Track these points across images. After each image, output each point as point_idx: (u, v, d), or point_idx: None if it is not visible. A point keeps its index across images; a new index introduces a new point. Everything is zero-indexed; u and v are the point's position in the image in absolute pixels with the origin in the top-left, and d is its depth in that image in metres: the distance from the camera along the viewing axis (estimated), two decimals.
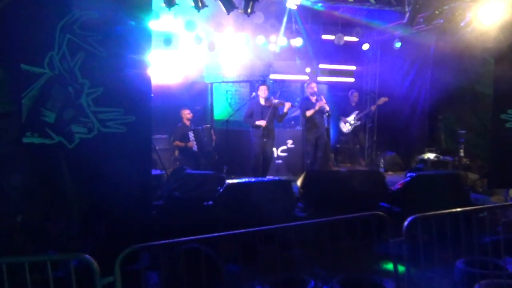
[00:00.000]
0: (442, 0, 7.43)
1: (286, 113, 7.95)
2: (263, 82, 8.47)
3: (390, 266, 3.94)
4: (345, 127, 9.78)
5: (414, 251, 3.69)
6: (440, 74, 9.46)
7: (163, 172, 7.25)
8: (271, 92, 8.23)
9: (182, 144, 8.26)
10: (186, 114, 8.49)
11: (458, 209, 3.86)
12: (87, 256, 2.63)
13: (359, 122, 9.66)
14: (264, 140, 7.82)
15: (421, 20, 7.78)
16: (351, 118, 9.66)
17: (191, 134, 8.31)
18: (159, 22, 7.49)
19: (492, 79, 6.79)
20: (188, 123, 8.47)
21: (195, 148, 8.29)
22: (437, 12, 7.41)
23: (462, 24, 7.61)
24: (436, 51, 9.55)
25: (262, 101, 7.88)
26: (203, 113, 10.09)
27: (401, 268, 3.74)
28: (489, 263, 4.09)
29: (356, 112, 9.65)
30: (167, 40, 8.45)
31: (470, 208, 4.18)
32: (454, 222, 3.85)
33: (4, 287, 2.66)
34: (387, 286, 4.00)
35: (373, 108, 9.60)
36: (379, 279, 4.13)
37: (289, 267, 4.59)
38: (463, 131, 8.74)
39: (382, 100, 9.54)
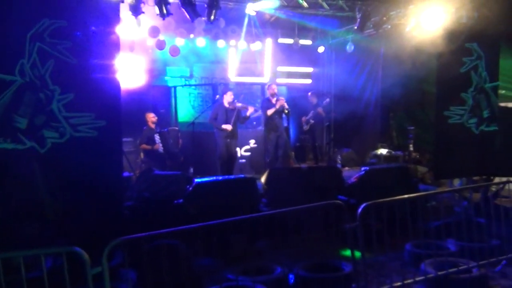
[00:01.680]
0: (389, 6, 8.01)
1: (248, 117, 8.40)
2: (230, 88, 8.87)
3: (348, 252, 4.35)
4: (305, 126, 10.33)
5: (368, 236, 4.12)
6: (389, 75, 10.07)
7: (131, 174, 7.42)
8: (235, 96, 8.59)
9: (148, 147, 8.42)
10: (151, 117, 8.63)
11: (405, 196, 4.34)
12: (77, 248, 2.87)
13: (313, 121, 10.19)
14: (228, 140, 8.19)
15: (371, 25, 8.32)
16: (308, 117, 10.22)
17: (157, 137, 8.50)
18: (123, 27, 7.62)
19: None
20: (153, 126, 8.62)
21: (161, 150, 8.48)
22: (384, 18, 7.96)
23: (407, 29, 8.23)
24: (386, 53, 10.17)
25: (226, 104, 8.24)
26: (167, 116, 10.28)
27: (357, 253, 4.15)
28: (433, 244, 4.62)
29: (312, 112, 10.20)
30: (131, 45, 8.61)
31: (415, 194, 4.66)
32: (403, 209, 4.32)
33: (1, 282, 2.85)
34: (345, 269, 4.41)
35: (319, 110, 10.12)
36: (338, 263, 4.54)
37: (257, 257, 4.96)
38: (411, 128, 9.40)
39: (325, 102, 10.20)
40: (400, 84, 9.75)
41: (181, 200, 5.68)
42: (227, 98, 8.23)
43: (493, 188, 6.72)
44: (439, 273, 4.23)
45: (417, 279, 4.25)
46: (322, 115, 10.21)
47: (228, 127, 8.07)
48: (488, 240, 4.94)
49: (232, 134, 8.23)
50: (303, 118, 10.34)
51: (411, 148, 9.36)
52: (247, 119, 8.51)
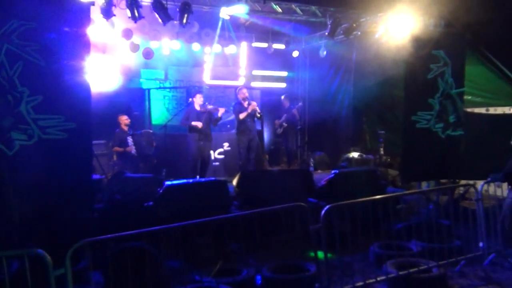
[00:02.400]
0: (359, 14, 8.19)
1: (220, 118, 8.46)
2: (199, 91, 8.92)
3: (313, 253, 4.45)
4: (278, 129, 10.48)
5: (333, 238, 4.23)
6: (362, 79, 10.26)
7: (103, 176, 7.39)
8: (207, 98, 8.65)
9: (121, 150, 8.37)
10: (124, 120, 8.58)
11: (368, 198, 4.47)
12: (39, 250, 2.88)
13: (286, 125, 10.33)
14: (201, 143, 8.23)
15: (341, 31, 8.48)
16: (281, 121, 10.37)
17: (129, 139, 8.46)
18: (97, 29, 7.59)
19: None
20: (126, 128, 8.57)
21: (133, 152, 8.45)
22: (354, 25, 8.14)
23: (376, 36, 8.43)
24: (357, 59, 10.32)
25: (197, 107, 8.29)
26: (141, 118, 10.25)
27: (321, 254, 4.24)
28: (395, 246, 4.78)
29: (285, 115, 10.35)
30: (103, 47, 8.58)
31: (379, 197, 4.77)
32: (369, 211, 4.45)
33: None
34: (310, 269, 4.52)
35: (294, 110, 10.29)
36: (302, 264, 4.65)
37: (225, 259, 5.02)
38: (382, 131, 9.60)
39: (298, 105, 10.50)
40: (371, 89, 9.95)
41: (151, 203, 5.69)
42: (197, 101, 8.30)
43: (461, 190, 6.96)
44: (400, 273, 4.38)
45: (379, 279, 4.38)
46: (296, 117, 10.38)
47: (198, 124, 8.11)
48: (449, 241, 5.13)
49: (205, 137, 8.27)
50: (276, 121, 10.51)
51: (382, 152, 9.56)
52: (219, 120, 8.59)
